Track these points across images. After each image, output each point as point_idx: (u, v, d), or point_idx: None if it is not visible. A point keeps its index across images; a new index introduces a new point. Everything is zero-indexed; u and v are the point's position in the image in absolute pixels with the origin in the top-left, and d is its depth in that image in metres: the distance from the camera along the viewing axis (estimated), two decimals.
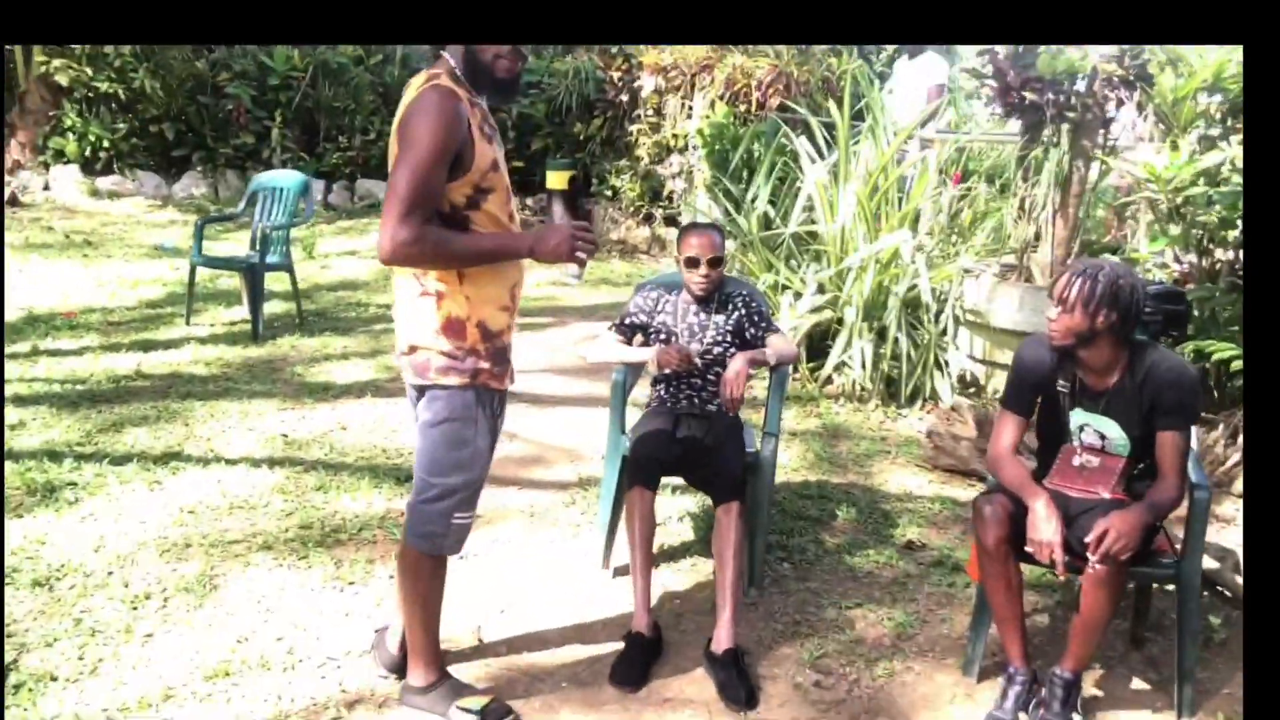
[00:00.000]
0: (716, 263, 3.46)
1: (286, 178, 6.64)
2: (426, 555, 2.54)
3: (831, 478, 4.46)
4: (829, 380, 5.63)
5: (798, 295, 5.82)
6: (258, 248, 6.35)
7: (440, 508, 2.48)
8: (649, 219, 10.12)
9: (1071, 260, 5.98)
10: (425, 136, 2.22)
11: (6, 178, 10.09)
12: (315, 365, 5.72)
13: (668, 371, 3.38)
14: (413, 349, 2.44)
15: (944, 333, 5.67)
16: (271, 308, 6.60)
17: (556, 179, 10.48)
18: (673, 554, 3.64)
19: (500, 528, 3.79)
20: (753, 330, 3.48)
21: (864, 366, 5.38)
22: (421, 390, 2.48)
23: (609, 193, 10.37)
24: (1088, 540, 2.51)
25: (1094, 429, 2.79)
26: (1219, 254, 5.22)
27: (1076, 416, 2.81)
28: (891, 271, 5.62)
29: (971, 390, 5.75)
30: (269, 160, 10.77)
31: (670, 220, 9.93)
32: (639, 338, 3.58)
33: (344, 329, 6.50)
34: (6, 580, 3.16)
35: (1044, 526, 2.57)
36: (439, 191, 2.28)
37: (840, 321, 5.62)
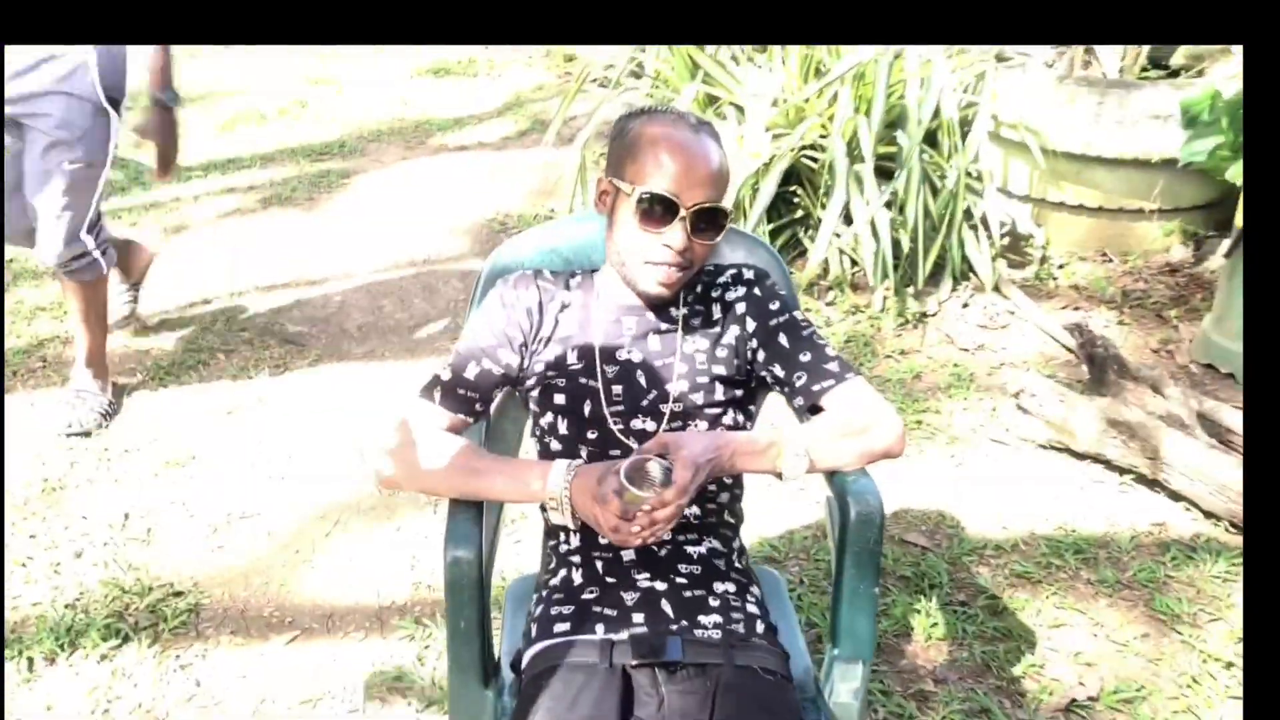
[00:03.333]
0: (715, 222, 1.36)
1: None
2: None
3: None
4: (799, 258, 3.59)
5: (741, 115, 3.64)
6: None
7: None
8: None
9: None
10: None
11: None
12: None
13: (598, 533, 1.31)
14: None
15: (974, 161, 3.62)
16: None
17: None
18: None
19: None
20: (779, 369, 1.42)
21: (875, 238, 3.32)
22: None
23: None
24: None
25: None
26: None
27: None
28: (897, 75, 3.47)
29: (1005, 244, 3.78)
30: None
31: None
32: (500, 402, 1.50)
33: None
34: None
35: None
36: None
37: (820, 166, 3.50)
